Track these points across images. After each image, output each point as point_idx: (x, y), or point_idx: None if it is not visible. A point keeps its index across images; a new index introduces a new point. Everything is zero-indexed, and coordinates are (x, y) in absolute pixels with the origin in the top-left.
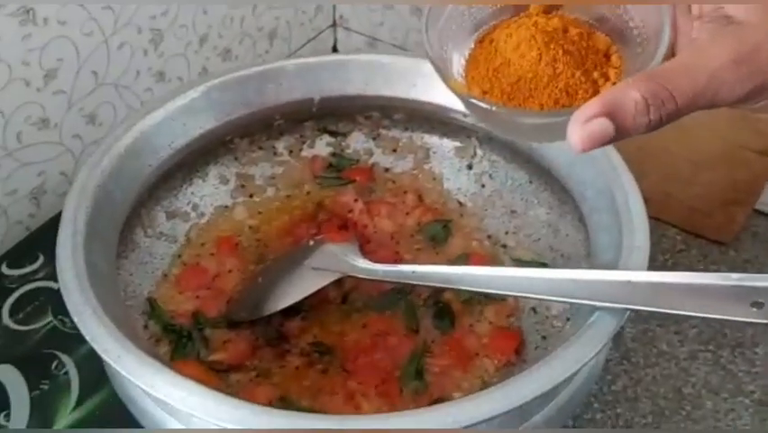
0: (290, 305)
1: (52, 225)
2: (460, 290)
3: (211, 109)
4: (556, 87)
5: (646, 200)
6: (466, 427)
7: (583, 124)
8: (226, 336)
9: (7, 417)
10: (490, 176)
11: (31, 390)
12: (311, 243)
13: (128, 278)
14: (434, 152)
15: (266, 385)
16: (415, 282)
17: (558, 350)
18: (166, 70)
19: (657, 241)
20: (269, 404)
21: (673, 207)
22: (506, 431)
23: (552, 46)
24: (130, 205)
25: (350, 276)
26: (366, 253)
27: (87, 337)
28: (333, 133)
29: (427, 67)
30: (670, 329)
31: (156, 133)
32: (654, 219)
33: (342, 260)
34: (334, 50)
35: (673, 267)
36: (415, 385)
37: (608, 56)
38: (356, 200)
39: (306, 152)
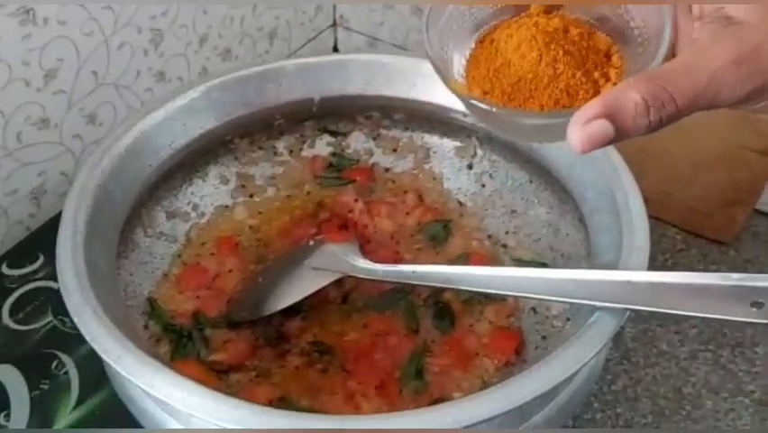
0: (290, 305)
1: (52, 224)
2: (460, 290)
3: (211, 109)
4: (557, 88)
5: (646, 200)
6: (466, 427)
7: (583, 125)
8: (226, 335)
9: (7, 417)
10: (491, 176)
11: (31, 389)
12: (311, 243)
13: (128, 278)
14: (435, 152)
15: (266, 385)
16: (415, 282)
17: (558, 350)
18: (166, 70)
19: (657, 241)
20: (269, 404)
21: (673, 208)
22: (506, 431)
23: (552, 46)
24: (130, 205)
25: (350, 276)
26: (366, 252)
27: (87, 337)
28: (333, 133)
29: (428, 67)
30: (670, 329)
31: (156, 133)
32: (654, 219)
33: (342, 260)
34: (335, 49)
35: (673, 267)
36: (415, 385)
37: (608, 56)
38: (356, 200)
39: (307, 152)
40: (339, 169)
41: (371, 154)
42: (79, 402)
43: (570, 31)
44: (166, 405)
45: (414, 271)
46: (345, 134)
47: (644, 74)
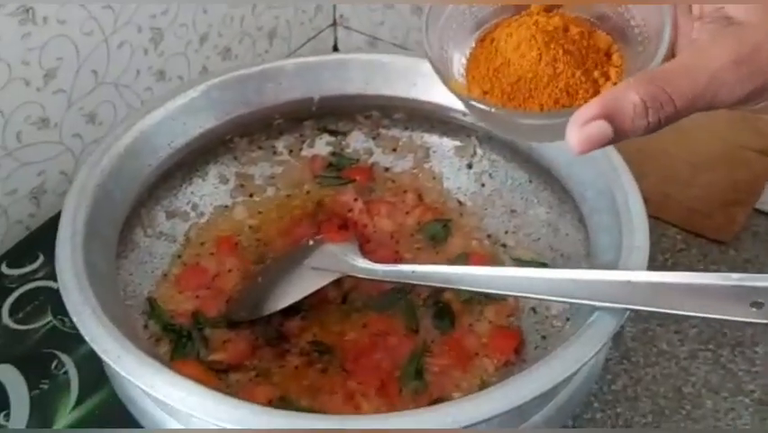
0: (290, 305)
1: (52, 224)
2: (459, 290)
3: (211, 108)
4: (556, 87)
5: (646, 200)
6: (465, 427)
7: (581, 126)
8: (226, 335)
9: (7, 416)
10: (490, 175)
11: (30, 389)
12: (311, 242)
13: (128, 278)
14: (434, 152)
15: (266, 385)
16: (414, 282)
17: (558, 350)
18: (166, 69)
19: (657, 240)
20: (269, 404)
21: (673, 208)
22: (505, 431)
23: (552, 46)
24: (129, 204)
25: (349, 276)
26: (366, 252)
27: (87, 338)
28: (332, 133)
29: (427, 66)
30: (670, 329)
31: (156, 133)
32: (654, 219)
33: (341, 259)
34: (335, 49)
35: (673, 266)
36: (414, 385)
37: (609, 55)
38: (356, 200)
39: (306, 152)
40: (338, 168)
41: (371, 154)
42: (79, 402)
43: (570, 29)
44: (165, 405)
45: (413, 271)
46: (345, 134)
47: (643, 75)
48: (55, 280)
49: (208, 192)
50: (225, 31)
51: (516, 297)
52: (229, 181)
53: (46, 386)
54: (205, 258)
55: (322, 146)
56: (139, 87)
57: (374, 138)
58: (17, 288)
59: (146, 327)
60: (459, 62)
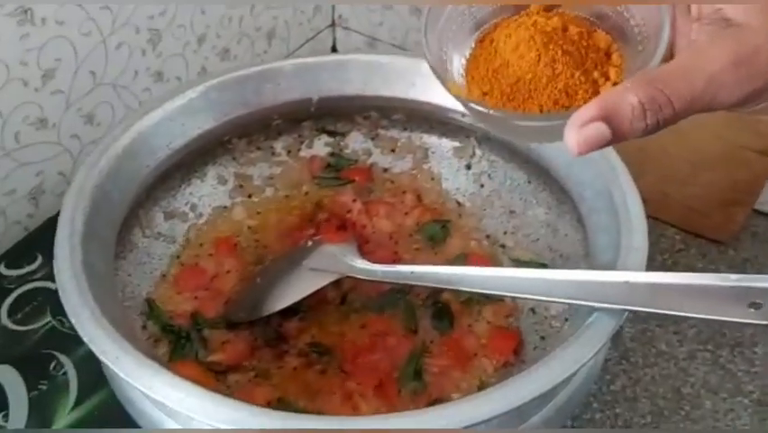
0: (289, 305)
1: (51, 225)
2: (458, 291)
3: (209, 109)
4: (555, 88)
5: (645, 200)
6: (464, 427)
7: (580, 127)
8: (225, 336)
9: (6, 417)
10: (489, 176)
11: (29, 390)
12: (309, 243)
13: (126, 278)
14: (433, 152)
15: (264, 386)
16: (413, 283)
17: (556, 350)
18: (164, 70)
19: (656, 240)
20: (268, 405)
21: (672, 208)
22: (505, 431)
23: (551, 47)
24: (128, 205)
25: (348, 277)
26: (365, 253)
27: (85, 339)
28: (331, 133)
29: (426, 67)
30: (669, 329)
31: (154, 134)
32: (653, 219)
33: (340, 260)
34: (333, 50)
35: (672, 266)
36: (413, 386)
37: (608, 54)
38: (355, 200)
39: (305, 152)
40: (337, 169)
41: (370, 154)
42: (78, 403)
43: (569, 29)
44: (164, 406)
45: (412, 272)
46: (344, 134)
47: (642, 76)
48: (54, 280)
49: (207, 193)
50: (224, 31)
51: (514, 297)
52: (228, 182)
53: (45, 387)
54: (204, 259)
55: (320, 147)
56: (137, 88)
57: (373, 139)
58: (16, 288)
59: (145, 327)
60: (458, 63)
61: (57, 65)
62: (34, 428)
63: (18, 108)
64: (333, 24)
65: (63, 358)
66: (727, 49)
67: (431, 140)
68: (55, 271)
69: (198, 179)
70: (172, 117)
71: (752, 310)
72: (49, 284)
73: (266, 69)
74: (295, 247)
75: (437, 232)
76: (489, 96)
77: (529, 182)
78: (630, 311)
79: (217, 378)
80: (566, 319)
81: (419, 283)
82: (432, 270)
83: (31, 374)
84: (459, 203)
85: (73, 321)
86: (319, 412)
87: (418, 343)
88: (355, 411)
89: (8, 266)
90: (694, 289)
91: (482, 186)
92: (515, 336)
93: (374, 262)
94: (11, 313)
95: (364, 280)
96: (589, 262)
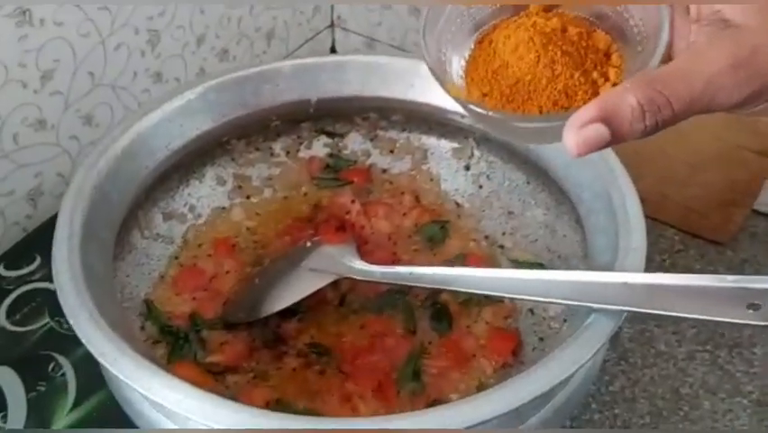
0: (287, 306)
1: (49, 226)
2: (457, 292)
3: (208, 110)
4: (555, 89)
5: (644, 201)
6: (463, 428)
7: (579, 128)
8: (223, 337)
9: (4, 418)
10: (488, 177)
11: (28, 391)
12: (308, 244)
13: (125, 279)
14: (432, 153)
15: (263, 387)
16: (412, 284)
17: (555, 351)
18: (163, 71)
19: (655, 241)
20: (266, 406)
21: (671, 208)
22: (504, 432)
23: (550, 47)
24: (126, 206)
25: (347, 277)
26: (363, 253)
27: (83, 340)
28: (330, 134)
29: (425, 67)
30: (668, 330)
31: (153, 135)
32: (652, 219)
33: (339, 261)
34: (332, 50)
35: (671, 267)
36: (412, 387)
37: (608, 55)
38: (353, 201)
39: (304, 153)
40: (336, 170)
41: (369, 155)
42: (76, 404)
43: (568, 30)
44: (162, 407)
45: (411, 273)
46: (342, 135)
47: (641, 77)
48: (52, 281)
49: (205, 194)
50: (223, 32)
51: (513, 298)
52: (226, 183)
53: (43, 388)
54: (203, 260)
55: (319, 148)
56: (136, 89)
57: (372, 140)
58: (14, 289)
59: (143, 328)
60: (458, 64)
61: (55, 66)
62: (33, 428)
63: (17, 109)
64: (332, 25)
65: (62, 359)
66: (726, 51)
67: (430, 141)
68: (53, 272)
69: (197, 180)
70: (171, 118)
71: (750, 311)
72: (47, 285)
73: (264, 70)
74: (293, 248)
75: (436, 233)
76: (489, 98)
77: (528, 183)
78: (629, 312)
79: (216, 379)
80: (565, 320)
81: (418, 284)
82: (430, 271)
83: (29, 375)
84: (457, 204)
85: (71, 322)
86: (318, 413)
87: (417, 344)
88: (354, 412)
89: (7, 267)
90: (692, 290)
91: (481, 187)
92: (513, 337)
93: (373, 263)
94: (9, 314)
95: (363, 280)
96: (587, 262)
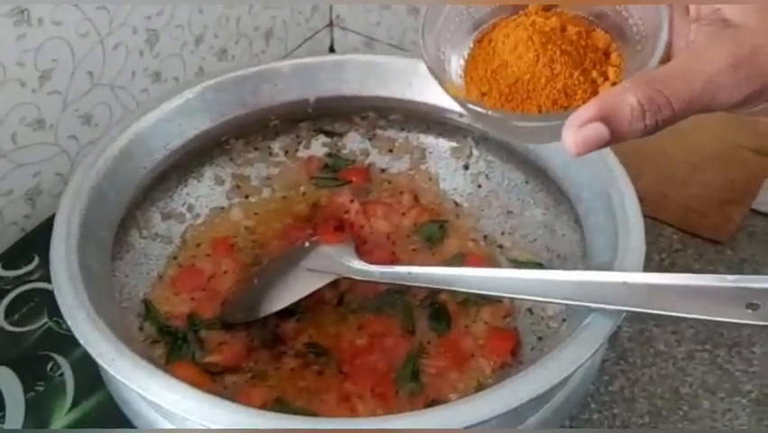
0: (286, 306)
1: (48, 226)
2: (456, 292)
3: (206, 110)
4: (554, 88)
5: (643, 200)
6: (462, 428)
7: (578, 128)
8: (221, 337)
9: (2, 418)
10: (487, 176)
11: (26, 391)
12: (307, 244)
13: (123, 279)
14: (431, 153)
15: (261, 387)
16: (410, 284)
17: (554, 351)
18: (162, 71)
19: (654, 240)
20: (265, 406)
21: (670, 208)
22: (503, 432)
23: (549, 47)
24: (125, 206)
25: (345, 277)
26: (362, 253)
27: (81, 341)
28: (328, 134)
29: (423, 66)
30: (667, 329)
31: (151, 134)
32: (651, 219)
33: (337, 261)
34: (331, 50)
35: (670, 266)
36: (410, 387)
37: (607, 54)
38: (352, 201)
39: (302, 153)
40: (335, 169)
41: (367, 155)
42: (75, 404)
43: (567, 29)
44: (160, 408)
45: (409, 273)
46: (341, 135)
47: (641, 77)
48: (50, 281)
49: (204, 193)
50: (221, 32)
51: (512, 298)
52: (225, 183)
53: (42, 388)
54: (201, 259)
55: (318, 147)
56: (134, 89)
57: (370, 139)
58: (12, 289)
59: (141, 329)
60: (457, 63)
61: (54, 66)
62: (31, 428)
63: (15, 109)
64: (330, 24)
65: (60, 359)
66: (726, 50)
67: (428, 140)
68: (51, 272)
69: (195, 180)
70: (169, 118)
71: (749, 311)
72: (46, 285)
73: (263, 70)
74: (292, 248)
75: (435, 232)
76: (488, 97)
77: (527, 183)
78: (627, 312)
79: (214, 379)
80: (563, 320)
81: (416, 284)
82: (429, 270)
83: (27, 376)
84: (456, 203)
85: (69, 322)
86: (316, 413)
87: (416, 344)
88: (352, 412)
89: (5, 267)
90: (691, 289)
91: (480, 186)
92: (512, 337)
93: (371, 263)
94: (8, 314)
95: (361, 280)
96: (586, 262)
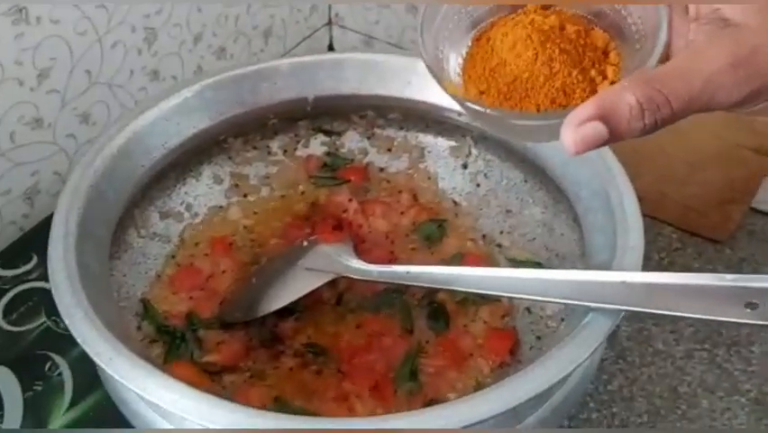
0: (284, 306)
1: (46, 225)
2: (454, 291)
3: (205, 108)
4: (553, 87)
5: (642, 199)
6: (461, 428)
7: (577, 126)
8: (220, 337)
9: (1, 418)
10: (485, 175)
11: (24, 391)
12: (305, 243)
13: (121, 279)
14: (429, 152)
15: (260, 386)
16: (409, 283)
17: (552, 350)
18: (160, 69)
19: (653, 239)
20: (263, 406)
21: (669, 207)
22: (501, 431)
23: (548, 45)
24: (123, 205)
25: (344, 277)
26: (360, 252)
27: (79, 340)
28: (327, 133)
29: (422, 65)
30: (665, 328)
31: (149, 133)
32: (650, 218)
33: (335, 260)
34: (330, 48)
35: (669, 265)
36: (409, 386)
37: (606, 53)
38: (351, 200)
39: (301, 152)
40: (333, 168)
41: (366, 154)
42: (73, 404)
43: (566, 28)
44: (158, 407)
45: (408, 272)
46: (340, 134)
47: (640, 76)
48: (49, 281)
49: (202, 192)
50: (220, 30)
51: (510, 297)
52: (223, 182)
53: (40, 387)
54: (200, 259)
55: (317, 146)
56: (133, 88)
57: (369, 138)
58: (11, 289)
59: (139, 328)
60: (455, 62)
61: (52, 64)
62: (29, 428)
63: (13, 108)
64: (329, 23)
65: (58, 359)
66: (726, 49)
67: (427, 139)
68: (49, 271)
69: (194, 179)
70: (167, 117)
71: (748, 310)
72: (44, 284)
73: (262, 68)
74: (290, 247)
75: (433, 231)
76: (486, 95)
77: (525, 182)
78: (626, 311)
79: (212, 379)
80: (562, 319)
81: (415, 283)
82: (428, 270)
83: (26, 375)
84: (455, 202)
85: (66, 322)
86: (315, 413)
87: (414, 343)
88: (351, 412)
89: (3, 266)
90: (690, 289)
91: (478, 185)
92: (511, 336)
93: (370, 262)
94: (6, 313)
95: (360, 280)
96: (585, 261)
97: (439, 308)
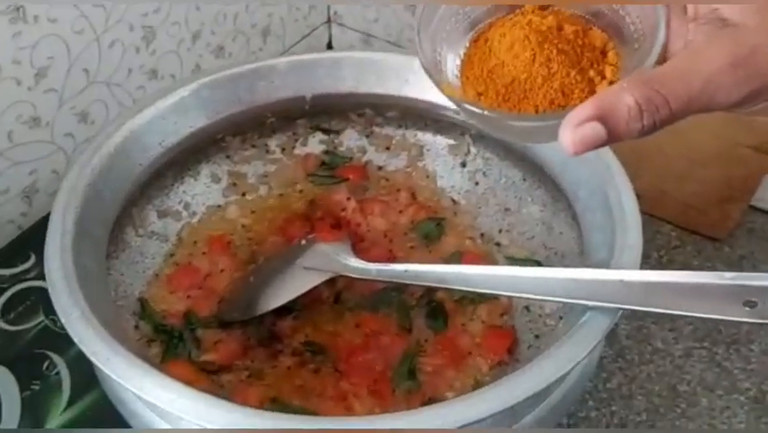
0: (282, 305)
1: (44, 224)
2: (453, 290)
3: (203, 107)
4: (551, 88)
5: (641, 197)
6: (459, 427)
7: (575, 127)
8: (218, 336)
9: None
10: (484, 174)
11: (22, 390)
12: (303, 242)
13: (119, 278)
14: (428, 150)
15: (258, 386)
16: (407, 282)
17: (551, 349)
18: (158, 68)
19: (652, 237)
20: (261, 405)
21: (668, 204)
22: (500, 430)
23: (546, 46)
24: (120, 204)
25: (342, 275)
26: (359, 251)
27: (76, 339)
28: (325, 131)
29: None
30: (665, 327)
31: (147, 132)
32: (649, 216)
33: (334, 259)
34: (329, 46)
35: (668, 263)
36: (407, 385)
37: (604, 53)
38: (349, 198)
39: (299, 150)
40: (332, 167)
41: (364, 152)
42: (71, 403)
43: (564, 28)
44: (156, 407)
45: (406, 271)
46: (338, 132)
47: (638, 76)
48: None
49: (200, 191)
50: (218, 29)
51: (509, 296)
52: (221, 180)
53: (37, 387)
54: (198, 258)
55: (315, 145)
56: (131, 86)
57: (367, 136)
58: (9, 288)
59: (137, 327)
60: (453, 63)
61: (50, 63)
62: (27, 428)
63: (11, 107)
64: (328, 21)
65: (56, 358)
66: (725, 50)
67: (425, 137)
68: (46, 270)
69: (192, 178)
70: (165, 115)
71: (746, 309)
72: (42, 283)
73: (259, 67)
74: (289, 246)
75: (432, 230)
76: (484, 97)
77: (524, 180)
78: (625, 310)
79: (210, 378)
80: (561, 318)
81: (413, 282)
82: (426, 268)
83: (23, 374)
84: (454, 201)
85: (63, 321)
86: (313, 412)
87: (412, 342)
88: (349, 411)
89: (1, 265)
90: (689, 287)
91: (477, 184)
92: (509, 335)
93: (368, 261)
94: (4, 313)
95: (358, 278)
96: (583, 260)
97: (437, 306)
